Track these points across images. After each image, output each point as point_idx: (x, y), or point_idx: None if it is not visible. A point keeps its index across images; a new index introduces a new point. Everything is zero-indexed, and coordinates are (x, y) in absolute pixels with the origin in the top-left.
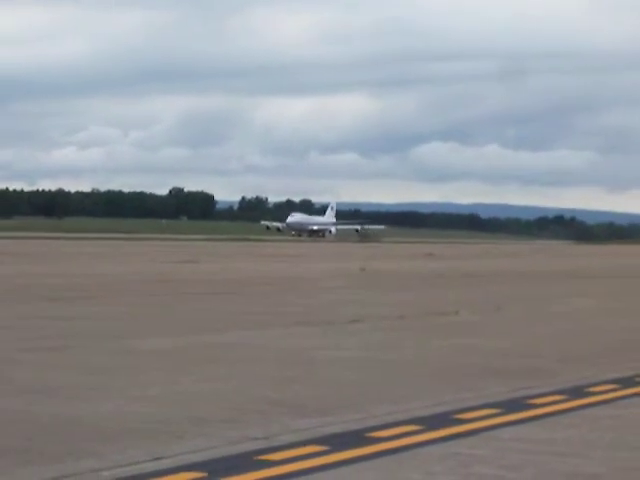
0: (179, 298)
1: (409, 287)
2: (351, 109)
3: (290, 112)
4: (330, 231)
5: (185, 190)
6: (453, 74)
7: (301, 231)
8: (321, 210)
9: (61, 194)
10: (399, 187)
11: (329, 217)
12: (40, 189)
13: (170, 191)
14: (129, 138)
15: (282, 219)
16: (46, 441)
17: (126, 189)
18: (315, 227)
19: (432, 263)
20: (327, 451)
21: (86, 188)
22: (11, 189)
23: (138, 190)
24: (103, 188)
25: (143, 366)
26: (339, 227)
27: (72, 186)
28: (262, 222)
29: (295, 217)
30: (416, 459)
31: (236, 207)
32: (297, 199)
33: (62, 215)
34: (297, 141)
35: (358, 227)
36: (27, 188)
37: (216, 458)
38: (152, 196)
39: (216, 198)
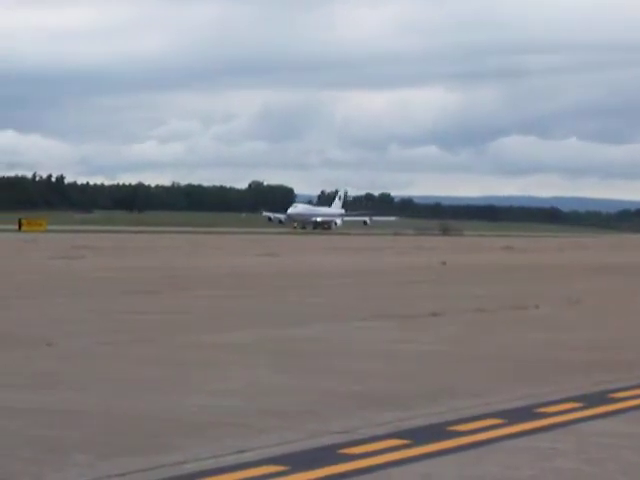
0: (260, 291)
1: (488, 280)
2: (431, 102)
3: (370, 105)
4: (336, 223)
5: (265, 184)
6: (533, 67)
7: (304, 223)
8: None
9: (141, 188)
10: (478, 181)
11: (336, 207)
12: (120, 183)
13: (250, 185)
14: (209, 132)
15: (361, 213)
16: (126, 434)
17: (206, 183)
18: (319, 219)
19: (511, 256)
20: (408, 445)
21: (166, 182)
22: (92, 183)
23: (218, 184)
24: (183, 182)
25: (225, 360)
26: (346, 218)
27: (152, 180)
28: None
29: (297, 208)
30: (497, 453)
31: (315, 201)
32: (376, 193)
33: (142, 209)
34: (376, 134)
35: (366, 219)
36: (107, 182)
37: (297, 451)
38: (232, 190)
39: (295, 192)
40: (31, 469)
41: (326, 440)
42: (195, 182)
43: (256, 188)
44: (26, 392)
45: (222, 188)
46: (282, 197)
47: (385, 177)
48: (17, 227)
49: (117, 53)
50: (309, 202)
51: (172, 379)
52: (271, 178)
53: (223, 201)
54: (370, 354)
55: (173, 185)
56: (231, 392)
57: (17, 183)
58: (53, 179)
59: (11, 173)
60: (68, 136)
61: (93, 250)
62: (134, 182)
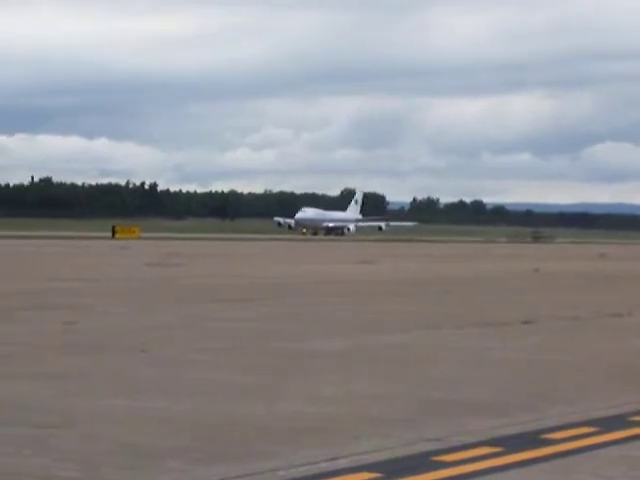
0: (355, 298)
1: (582, 288)
2: (524, 109)
3: (462, 113)
4: (348, 229)
5: (357, 191)
6: (629, 73)
7: (315, 228)
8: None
9: (233, 195)
10: (571, 187)
11: (352, 212)
12: (213, 190)
13: (342, 192)
14: (301, 139)
15: (453, 220)
16: (220, 441)
17: (298, 190)
18: (331, 224)
19: (605, 264)
20: (501, 452)
21: (258, 189)
22: (184, 191)
23: (310, 191)
24: (275, 189)
25: (320, 366)
26: (360, 224)
27: (244, 187)
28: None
29: (307, 212)
30: (590, 461)
31: (407, 208)
32: (468, 200)
33: (234, 216)
34: (469, 142)
35: (382, 224)
36: (200, 190)
37: (391, 459)
38: (324, 197)
39: (388, 199)
40: (125, 475)
41: (420, 447)
42: (287, 189)
43: (348, 195)
44: (120, 399)
45: (314, 195)
46: (374, 204)
47: (477, 184)
48: (111, 234)
49: (212, 61)
50: (401, 209)
51: (267, 386)
52: (363, 185)
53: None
54: (464, 362)
55: (265, 192)
56: (326, 399)
57: (111, 190)
58: (146, 186)
59: (105, 180)
60: (162, 143)
61: (185, 257)
62: (226, 189)
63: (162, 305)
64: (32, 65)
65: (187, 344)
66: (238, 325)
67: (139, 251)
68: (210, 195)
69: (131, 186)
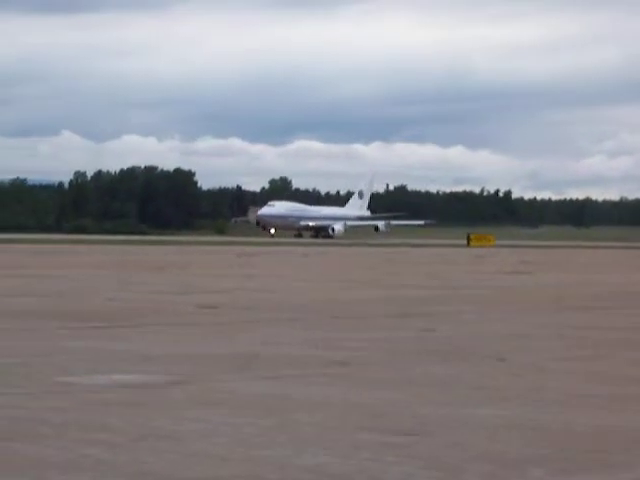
0: None
1: None
2: None
3: None
4: (333, 229)
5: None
6: None
7: (286, 227)
8: None
9: (589, 203)
10: None
11: (354, 207)
12: (567, 198)
13: None
14: None
15: None
16: (585, 450)
17: None
18: (311, 223)
19: None
20: None
21: (614, 197)
22: (539, 198)
23: None
24: (631, 197)
25: None
26: (350, 223)
27: (600, 195)
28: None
29: (275, 207)
30: None
31: None
32: None
33: (589, 224)
34: None
35: (380, 223)
36: (555, 197)
37: None
38: None
39: None
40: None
41: None
42: None
43: None
44: (482, 407)
45: None
46: None
47: None
48: (466, 242)
49: (565, 67)
50: None
51: (622, 397)
52: None
53: None
54: None
55: (621, 200)
56: None
57: (465, 198)
58: (500, 194)
59: (459, 188)
60: (515, 151)
61: (539, 265)
62: (581, 197)
63: (516, 313)
64: (386, 75)
65: (544, 352)
66: (594, 334)
67: (494, 259)
68: (565, 202)
69: (485, 194)
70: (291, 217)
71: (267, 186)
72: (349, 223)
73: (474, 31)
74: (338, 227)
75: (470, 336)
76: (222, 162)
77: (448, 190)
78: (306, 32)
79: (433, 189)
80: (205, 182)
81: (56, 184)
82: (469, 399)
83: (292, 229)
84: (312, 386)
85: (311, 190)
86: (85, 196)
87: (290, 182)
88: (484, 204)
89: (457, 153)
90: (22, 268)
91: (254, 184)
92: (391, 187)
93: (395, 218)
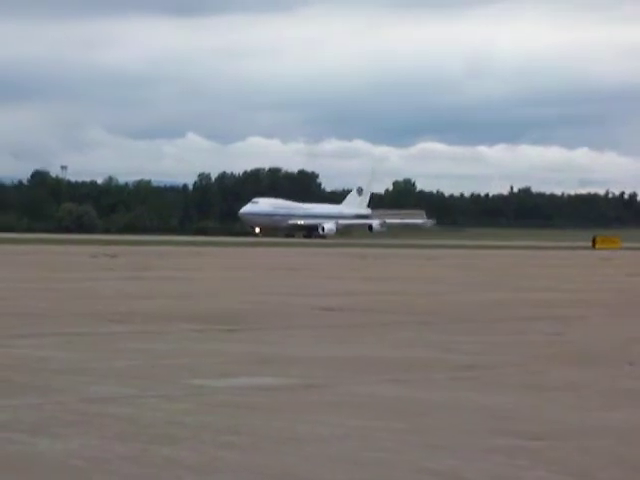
0: None
1: None
2: None
3: None
4: (323, 228)
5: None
6: None
7: (272, 227)
8: None
9: None
10: None
11: (352, 205)
12: None
13: None
14: None
15: None
16: None
17: None
18: (300, 222)
19: None
20: None
21: None
22: None
23: None
24: None
25: None
26: (341, 221)
27: None
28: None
29: (259, 205)
30: None
31: None
32: None
33: None
34: None
35: (375, 222)
36: None
37: None
38: None
39: None
40: None
41: None
42: None
43: None
44: (614, 412)
45: None
46: None
47: None
48: (591, 244)
49: None
50: None
51: None
52: None
53: None
54: None
55: None
56: None
57: (590, 200)
58: (626, 196)
59: (584, 190)
60: None
61: None
62: None
63: None
64: (513, 76)
65: None
66: None
67: (620, 262)
68: None
69: (610, 196)
70: (277, 215)
71: (391, 188)
72: (342, 222)
73: (605, 32)
74: (329, 226)
75: (597, 340)
76: (346, 164)
77: (573, 192)
78: (430, 33)
79: (558, 191)
80: (329, 184)
81: (180, 186)
82: (600, 403)
83: (278, 228)
84: (441, 390)
85: (435, 192)
86: (209, 198)
87: (414, 184)
88: (609, 206)
89: (582, 155)
90: (148, 270)
91: (378, 186)
92: (515, 189)
93: (399, 216)
